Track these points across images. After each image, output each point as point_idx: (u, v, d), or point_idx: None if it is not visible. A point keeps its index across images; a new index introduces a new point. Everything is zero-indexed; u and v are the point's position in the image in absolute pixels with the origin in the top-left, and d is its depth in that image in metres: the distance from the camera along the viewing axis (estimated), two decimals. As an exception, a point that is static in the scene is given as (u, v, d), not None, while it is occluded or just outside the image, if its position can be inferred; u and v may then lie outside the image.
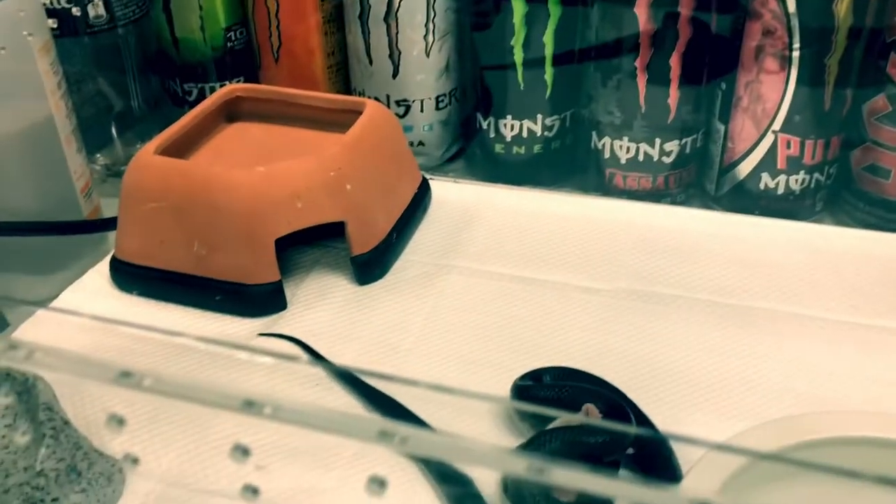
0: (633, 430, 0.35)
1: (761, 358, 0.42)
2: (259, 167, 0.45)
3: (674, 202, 0.56)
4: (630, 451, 0.35)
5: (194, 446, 0.39)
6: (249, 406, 0.21)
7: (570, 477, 0.18)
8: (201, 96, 0.62)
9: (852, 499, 0.22)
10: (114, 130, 0.64)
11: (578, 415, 0.36)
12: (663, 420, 0.39)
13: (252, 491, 0.27)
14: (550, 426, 0.35)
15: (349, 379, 0.41)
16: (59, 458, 0.36)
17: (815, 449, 0.31)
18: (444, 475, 0.36)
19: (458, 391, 0.35)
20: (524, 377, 0.40)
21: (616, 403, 0.37)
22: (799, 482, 0.32)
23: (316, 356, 0.43)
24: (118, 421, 0.29)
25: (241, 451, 0.25)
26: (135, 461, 0.29)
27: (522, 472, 0.18)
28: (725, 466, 0.30)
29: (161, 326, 0.45)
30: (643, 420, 0.38)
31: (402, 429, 0.20)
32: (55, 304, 0.47)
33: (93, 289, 0.48)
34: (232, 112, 0.54)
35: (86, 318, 0.46)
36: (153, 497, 0.37)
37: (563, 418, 0.35)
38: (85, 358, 0.22)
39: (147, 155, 0.46)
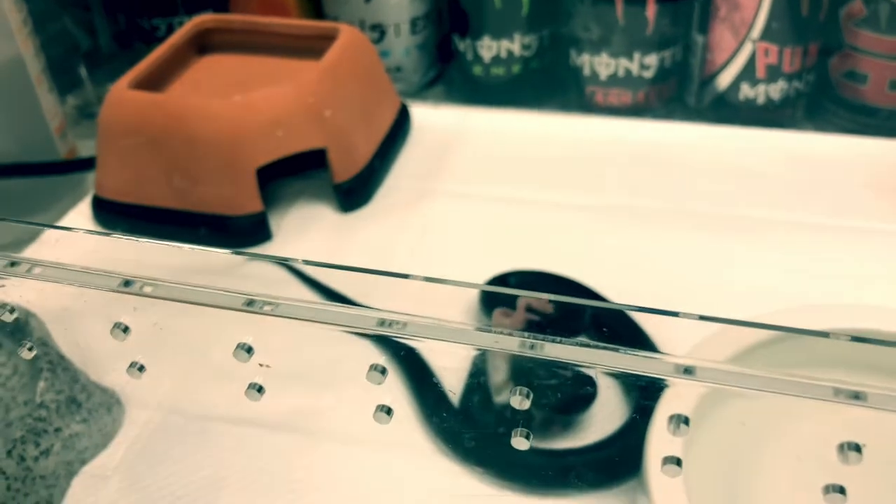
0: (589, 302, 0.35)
1: (748, 263, 0.43)
2: (236, 96, 0.44)
3: (655, 117, 0.56)
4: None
5: (193, 370, 0.39)
6: (250, 305, 0.21)
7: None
8: (171, 32, 0.61)
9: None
10: (83, 70, 0.62)
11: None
12: (653, 329, 0.39)
13: (257, 389, 0.27)
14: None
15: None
16: (57, 391, 0.36)
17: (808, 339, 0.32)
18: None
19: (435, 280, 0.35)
20: (490, 282, 0.40)
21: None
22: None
23: (308, 280, 0.43)
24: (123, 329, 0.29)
25: (245, 350, 0.25)
26: (141, 369, 0.29)
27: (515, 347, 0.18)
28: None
29: (146, 258, 0.45)
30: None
31: (399, 316, 0.21)
32: (38, 241, 0.47)
33: (76, 227, 0.48)
34: (203, 44, 0.53)
35: (73, 257, 0.45)
36: (152, 425, 0.37)
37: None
38: (86, 268, 0.22)
39: (121, 90, 0.45)
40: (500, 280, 0.40)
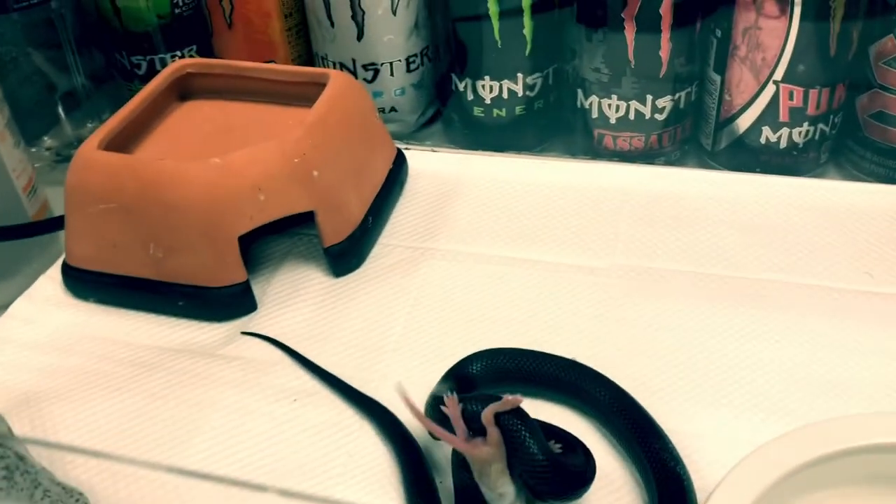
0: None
1: (772, 338, 0.39)
2: (214, 158, 0.40)
3: (668, 161, 0.52)
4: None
5: (167, 470, 0.35)
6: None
7: None
8: (152, 69, 0.57)
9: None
10: (61, 111, 0.59)
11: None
12: (668, 416, 0.36)
13: None
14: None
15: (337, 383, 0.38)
16: (14, 501, 0.33)
17: (850, 457, 0.29)
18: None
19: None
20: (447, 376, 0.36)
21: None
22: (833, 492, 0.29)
23: (300, 359, 0.40)
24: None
25: None
26: None
27: None
28: (754, 484, 0.27)
29: (122, 336, 0.42)
30: (638, 418, 0.34)
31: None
32: (6, 315, 0.43)
33: (45, 297, 0.44)
34: (184, 90, 0.49)
35: (42, 335, 0.42)
36: (124, 532, 0.34)
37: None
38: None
39: (90, 151, 0.41)
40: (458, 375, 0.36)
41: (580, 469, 0.31)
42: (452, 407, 0.30)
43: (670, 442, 0.34)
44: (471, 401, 0.30)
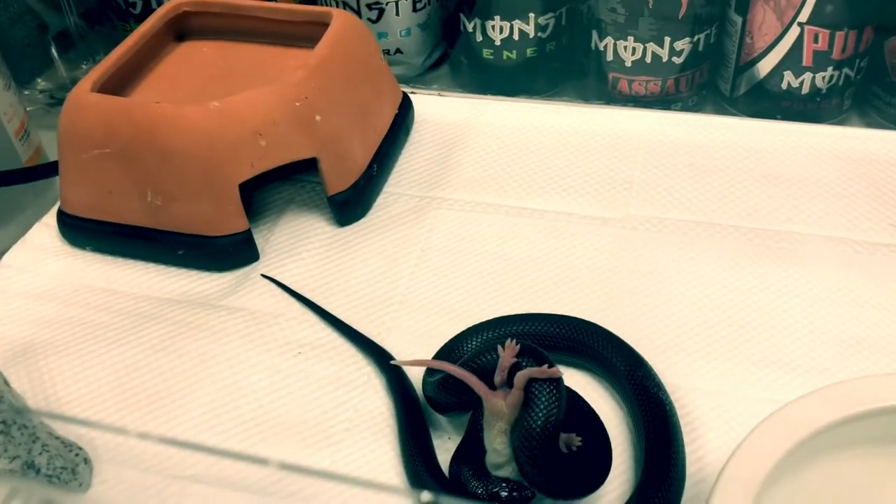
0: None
1: (791, 293, 0.38)
2: (213, 101, 0.38)
3: (685, 107, 0.50)
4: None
5: (176, 415, 0.35)
6: None
7: None
8: (147, 8, 0.55)
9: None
10: (54, 52, 0.57)
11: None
12: (684, 373, 0.35)
13: None
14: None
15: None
16: (11, 457, 0.32)
17: (873, 418, 0.28)
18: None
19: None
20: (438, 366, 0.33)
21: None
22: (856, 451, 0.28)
23: (313, 307, 0.38)
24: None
25: None
26: None
27: None
28: (777, 444, 0.26)
29: (120, 286, 0.41)
30: (642, 377, 0.33)
31: None
32: (0, 264, 0.42)
33: (41, 245, 0.43)
34: (181, 30, 0.47)
35: (39, 285, 0.41)
36: (125, 486, 0.33)
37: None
38: None
39: (82, 93, 0.40)
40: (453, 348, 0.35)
41: (573, 477, 0.29)
42: (509, 353, 0.29)
43: (652, 369, 0.34)
44: (525, 355, 0.29)
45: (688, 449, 0.32)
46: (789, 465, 0.27)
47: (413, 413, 0.33)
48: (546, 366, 0.29)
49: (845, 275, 0.38)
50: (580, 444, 0.29)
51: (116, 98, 0.40)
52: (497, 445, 0.29)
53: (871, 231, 0.40)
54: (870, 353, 0.35)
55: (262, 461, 0.31)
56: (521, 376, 0.28)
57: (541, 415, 0.28)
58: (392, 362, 0.35)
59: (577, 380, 0.35)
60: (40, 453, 0.33)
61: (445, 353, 0.35)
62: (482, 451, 0.30)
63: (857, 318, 0.36)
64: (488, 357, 0.30)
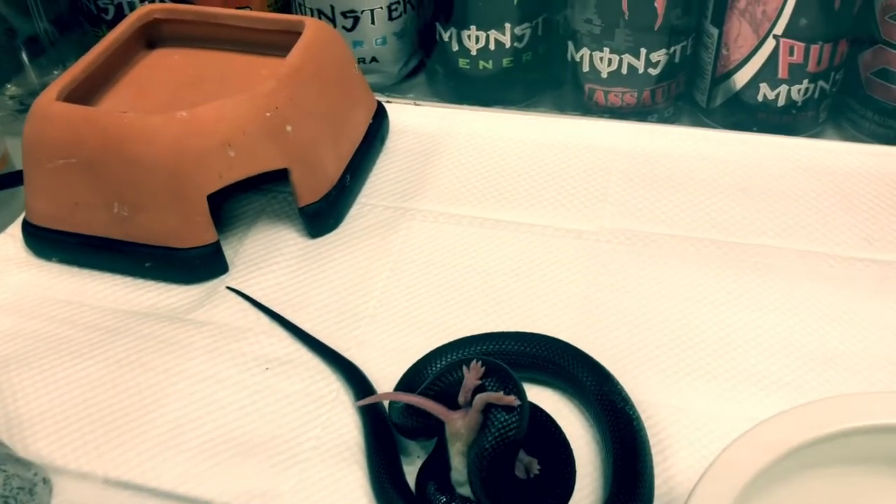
0: None
1: (766, 307, 0.37)
2: (181, 111, 0.38)
3: (661, 118, 0.50)
4: None
5: (137, 434, 0.34)
6: None
7: None
8: (120, 13, 0.54)
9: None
10: (24, 57, 0.56)
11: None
12: (657, 389, 0.34)
13: None
14: None
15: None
16: (-33, 477, 0.31)
17: (847, 438, 0.27)
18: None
19: None
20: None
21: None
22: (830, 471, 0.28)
23: (281, 321, 0.38)
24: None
25: None
26: None
27: None
28: (749, 463, 0.26)
29: (86, 299, 0.40)
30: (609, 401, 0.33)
31: None
32: (-36, 275, 0.41)
33: (5, 256, 0.42)
34: (151, 37, 0.46)
35: (2, 297, 0.40)
36: (86, 506, 0.32)
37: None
38: None
39: (48, 102, 0.39)
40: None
41: (529, 502, 0.29)
42: (473, 375, 0.29)
43: (619, 384, 0.33)
44: (490, 376, 0.29)
45: (658, 468, 0.31)
46: (762, 485, 0.27)
47: (382, 431, 0.33)
48: (509, 389, 0.28)
49: (819, 289, 0.38)
50: (539, 471, 0.29)
51: (82, 107, 0.39)
52: (457, 464, 0.29)
53: (845, 244, 0.40)
54: (844, 368, 0.35)
55: (216, 485, 0.30)
56: (479, 399, 0.28)
57: (493, 440, 0.28)
58: (357, 404, 0.34)
59: (547, 397, 0.34)
60: (-3, 473, 0.32)
61: (412, 374, 0.34)
62: (448, 467, 0.30)
63: (831, 333, 0.36)
64: (452, 376, 0.29)
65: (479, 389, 0.28)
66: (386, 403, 0.33)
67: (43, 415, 0.35)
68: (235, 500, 0.31)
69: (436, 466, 0.30)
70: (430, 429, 0.30)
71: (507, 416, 0.28)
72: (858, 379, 0.34)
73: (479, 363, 0.29)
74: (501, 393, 0.28)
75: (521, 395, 0.28)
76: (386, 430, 0.33)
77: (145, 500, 0.32)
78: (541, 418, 0.31)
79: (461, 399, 0.29)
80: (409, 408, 0.31)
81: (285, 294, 0.40)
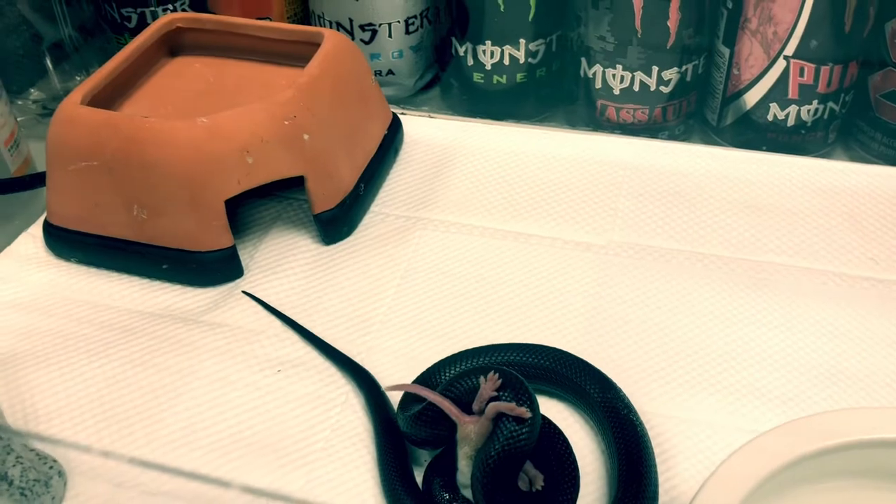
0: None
1: (771, 323, 0.38)
2: (201, 118, 0.39)
3: (672, 136, 0.51)
4: None
5: (152, 432, 0.34)
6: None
7: None
8: (142, 21, 0.55)
9: None
10: (48, 63, 0.57)
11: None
12: (661, 400, 0.35)
13: None
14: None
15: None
16: (-16, 468, 0.32)
17: (848, 451, 0.28)
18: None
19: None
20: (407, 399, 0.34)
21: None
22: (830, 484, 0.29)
23: (294, 325, 0.39)
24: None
25: None
26: None
27: None
28: (749, 475, 0.26)
29: (103, 299, 0.41)
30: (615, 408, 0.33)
31: None
32: (-15, 273, 0.42)
33: (26, 255, 0.43)
34: (173, 45, 0.47)
35: (22, 295, 0.41)
36: (99, 501, 0.33)
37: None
38: None
39: (72, 106, 0.40)
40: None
41: None
42: (490, 385, 0.29)
43: (622, 392, 0.34)
44: (505, 388, 0.29)
45: (661, 477, 0.32)
46: (761, 497, 0.27)
47: (391, 433, 0.33)
48: (522, 401, 0.29)
49: (825, 307, 0.38)
50: (542, 487, 0.29)
51: (105, 111, 0.40)
52: (463, 467, 0.29)
53: (851, 264, 0.41)
54: (847, 385, 0.35)
55: (225, 484, 0.31)
56: (491, 407, 0.29)
57: (499, 448, 0.28)
58: (386, 388, 0.35)
59: (552, 406, 0.35)
60: (14, 465, 0.33)
61: (421, 383, 0.35)
62: (455, 468, 0.30)
63: (835, 351, 0.37)
64: (467, 383, 0.30)
65: (493, 400, 0.29)
66: (398, 397, 0.34)
67: (60, 410, 0.36)
68: (245, 498, 0.32)
69: (445, 463, 0.31)
70: (439, 438, 0.31)
71: (516, 427, 0.28)
72: (861, 395, 0.35)
73: (496, 374, 0.29)
74: (514, 404, 0.28)
75: (533, 408, 0.29)
76: (396, 433, 0.33)
77: (156, 496, 0.32)
78: (553, 434, 0.32)
79: (475, 407, 0.29)
80: (418, 417, 0.31)
81: (298, 299, 0.40)
